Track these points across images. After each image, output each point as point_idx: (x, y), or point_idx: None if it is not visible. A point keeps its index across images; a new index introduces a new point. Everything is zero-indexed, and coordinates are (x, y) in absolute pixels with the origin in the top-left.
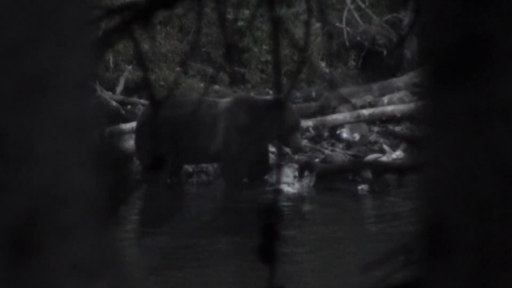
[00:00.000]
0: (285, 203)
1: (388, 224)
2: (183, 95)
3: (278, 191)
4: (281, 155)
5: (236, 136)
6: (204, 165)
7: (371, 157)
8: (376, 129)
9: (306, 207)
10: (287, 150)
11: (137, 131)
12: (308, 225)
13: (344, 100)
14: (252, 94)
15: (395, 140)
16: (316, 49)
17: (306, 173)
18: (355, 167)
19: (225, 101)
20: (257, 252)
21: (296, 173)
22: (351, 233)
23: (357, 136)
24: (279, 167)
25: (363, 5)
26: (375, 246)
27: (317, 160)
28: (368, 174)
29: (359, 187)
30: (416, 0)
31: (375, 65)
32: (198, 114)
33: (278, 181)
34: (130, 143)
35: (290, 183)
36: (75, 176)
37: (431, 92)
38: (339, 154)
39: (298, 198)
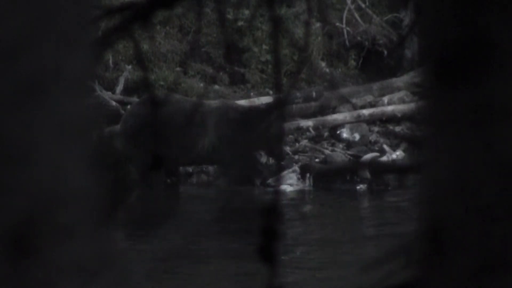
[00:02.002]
0: (285, 203)
1: (388, 224)
2: (168, 95)
3: (279, 191)
4: (281, 155)
5: (229, 131)
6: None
7: (368, 156)
8: (376, 129)
9: (306, 207)
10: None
11: (127, 132)
12: (307, 225)
13: (344, 100)
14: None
15: (395, 140)
16: (316, 49)
17: (308, 175)
18: (353, 167)
19: (212, 102)
20: (257, 252)
21: (299, 175)
22: (350, 232)
23: (357, 136)
24: (279, 167)
25: (363, 5)
26: (375, 246)
27: (317, 160)
28: (366, 174)
29: (358, 187)
30: (416, 0)
31: (375, 65)
32: (185, 113)
33: (278, 181)
34: (120, 143)
35: (293, 184)
36: (75, 176)
37: (431, 92)
38: (339, 154)
39: (297, 198)
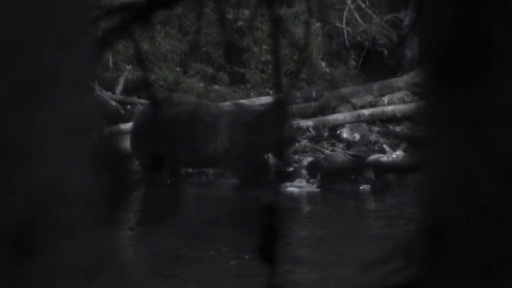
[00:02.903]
0: (288, 203)
1: (389, 224)
2: (181, 96)
3: (280, 191)
4: (287, 159)
5: (243, 132)
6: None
7: (373, 157)
8: (376, 129)
9: (308, 207)
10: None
11: (135, 131)
12: (309, 225)
13: (344, 100)
14: (252, 94)
15: (395, 140)
16: (316, 49)
17: (318, 177)
18: (357, 167)
19: (224, 104)
20: (257, 252)
21: (307, 176)
22: (351, 233)
23: (357, 136)
24: (281, 166)
25: (363, 5)
26: (376, 246)
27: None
28: (371, 174)
29: (361, 187)
30: (416, 0)
31: (375, 65)
32: (197, 114)
33: (279, 181)
34: (129, 143)
35: (303, 186)
36: (75, 176)
37: (431, 92)
38: (339, 154)
39: (300, 198)
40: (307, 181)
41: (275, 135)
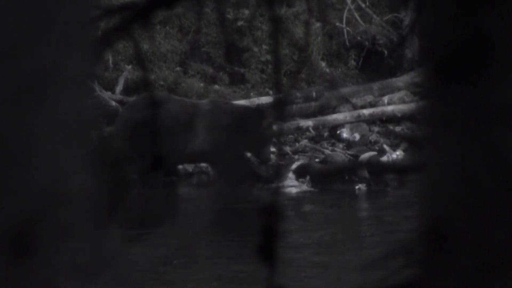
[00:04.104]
0: (285, 203)
1: (387, 224)
2: (163, 95)
3: (279, 191)
4: (267, 158)
5: (223, 136)
6: (204, 165)
7: (366, 155)
8: (376, 129)
9: (305, 207)
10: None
11: (123, 133)
12: (307, 225)
13: (344, 100)
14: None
15: (395, 140)
16: (316, 49)
17: (307, 176)
18: (352, 167)
19: (204, 103)
20: (256, 252)
21: (296, 176)
22: (350, 233)
23: (357, 136)
24: (279, 166)
25: (363, 5)
26: (375, 246)
27: (317, 160)
28: (365, 173)
29: (356, 187)
30: (416, 0)
31: (375, 65)
32: (174, 114)
33: (279, 181)
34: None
35: (294, 185)
36: (75, 176)
37: (431, 92)
38: (339, 154)
39: (297, 198)
40: (297, 180)
41: (253, 135)
